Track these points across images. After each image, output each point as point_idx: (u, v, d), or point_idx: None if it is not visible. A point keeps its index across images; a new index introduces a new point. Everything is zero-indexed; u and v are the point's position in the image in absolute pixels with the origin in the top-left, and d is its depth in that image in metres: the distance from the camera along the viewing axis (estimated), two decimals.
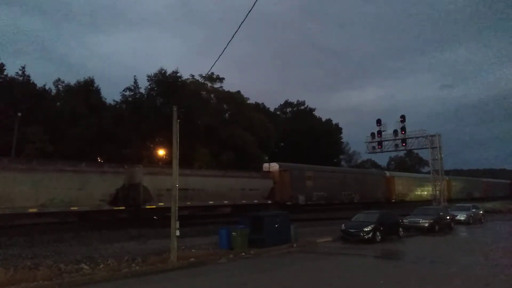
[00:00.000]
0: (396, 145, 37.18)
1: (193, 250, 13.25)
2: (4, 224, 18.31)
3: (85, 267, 10.37)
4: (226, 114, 52.10)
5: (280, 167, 32.71)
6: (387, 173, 48.69)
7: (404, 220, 20.43)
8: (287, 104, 73.00)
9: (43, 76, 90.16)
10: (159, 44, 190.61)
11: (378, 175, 47.02)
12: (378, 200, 42.48)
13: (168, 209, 21.94)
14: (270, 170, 32.95)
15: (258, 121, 51.42)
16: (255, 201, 28.99)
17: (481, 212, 27.44)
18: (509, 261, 11.90)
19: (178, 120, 12.98)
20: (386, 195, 45.20)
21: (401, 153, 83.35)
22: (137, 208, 22.99)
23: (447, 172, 56.19)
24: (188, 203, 24.07)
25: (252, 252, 13.56)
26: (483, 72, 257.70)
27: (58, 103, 40.48)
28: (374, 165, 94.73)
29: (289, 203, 31.28)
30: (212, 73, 49.35)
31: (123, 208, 22.63)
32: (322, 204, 35.04)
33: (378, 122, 37.34)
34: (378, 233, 16.38)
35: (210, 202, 26.09)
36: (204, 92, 49.54)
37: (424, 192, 53.12)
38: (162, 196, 22.86)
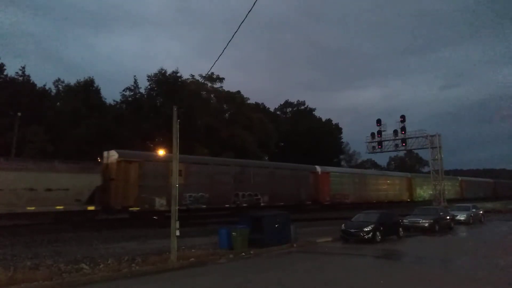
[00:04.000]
0: (396, 145, 37.26)
1: (193, 250, 13.24)
2: (4, 224, 18.28)
3: (85, 267, 10.36)
4: (226, 114, 52.19)
5: (120, 156, 22.07)
6: (318, 168, 37.42)
7: (404, 220, 20.48)
8: (287, 104, 73.15)
9: (43, 76, 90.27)
10: (159, 44, 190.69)
11: (301, 171, 35.19)
12: (302, 202, 33.36)
13: None
14: (109, 161, 22.53)
15: (258, 121, 51.53)
16: (60, 207, 19.05)
17: (481, 212, 27.47)
18: (510, 261, 11.89)
19: (178, 120, 12.99)
20: (316, 196, 35.35)
21: (401, 153, 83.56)
22: None
23: (447, 172, 54.73)
24: None
25: (252, 252, 13.56)
26: (483, 72, 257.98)
27: (58, 103, 40.52)
28: (374, 165, 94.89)
29: (135, 209, 21.86)
30: (212, 73, 49.56)
31: None
32: (201, 209, 25.48)
33: (378, 122, 37.48)
34: (378, 233, 16.39)
35: None
36: (204, 92, 49.63)
37: (378, 192, 44.15)
38: None
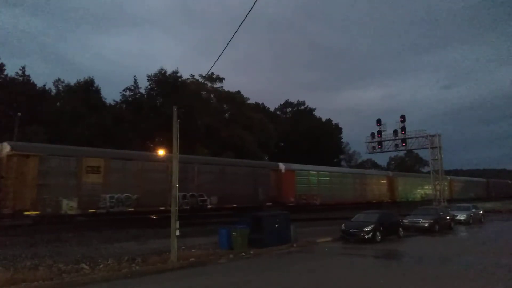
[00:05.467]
0: (396, 145, 37.26)
1: (193, 250, 13.26)
2: (4, 224, 18.24)
3: (85, 267, 10.37)
4: (226, 114, 52.22)
5: (14, 149, 18.07)
6: (282, 166, 32.86)
7: (404, 220, 20.50)
8: (287, 104, 73.14)
9: (43, 76, 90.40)
10: (159, 44, 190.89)
11: (259, 168, 30.69)
12: (260, 204, 28.49)
13: None
14: (1, 156, 18.65)
15: (258, 121, 51.55)
16: None
17: (481, 212, 27.52)
18: (509, 260, 11.90)
19: (178, 120, 12.99)
20: (278, 197, 30.98)
21: (401, 153, 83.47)
22: None
23: (447, 172, 54.25)
24: None
25: (252, 252, 13.58)
26: (483, 72, 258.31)
27: (58, 103, 40.51)
28: (374, 165, 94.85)
29: (33, 213, 18.22)
30: (212, 73, 49.63)
31: None
32: (126, 212, 21.76)
33: (378, 122, 37.49)
34: (378, 233, 16.42)
35: None
36: (204, 92, 49.68)
37: (354, 192, 39.94)
38: None
